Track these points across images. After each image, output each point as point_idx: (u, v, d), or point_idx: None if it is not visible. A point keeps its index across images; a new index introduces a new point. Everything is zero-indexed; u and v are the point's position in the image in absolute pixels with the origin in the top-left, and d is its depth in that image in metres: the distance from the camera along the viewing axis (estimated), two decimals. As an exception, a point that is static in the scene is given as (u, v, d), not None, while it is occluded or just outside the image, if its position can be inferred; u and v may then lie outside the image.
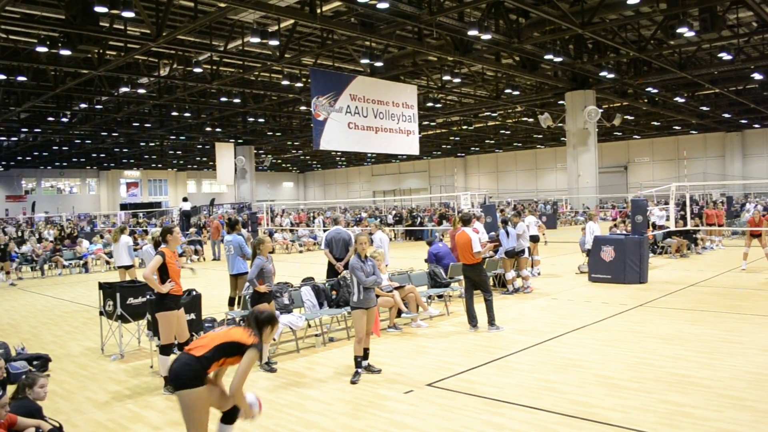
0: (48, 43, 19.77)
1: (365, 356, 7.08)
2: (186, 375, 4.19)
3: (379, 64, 25.17)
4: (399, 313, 9.64)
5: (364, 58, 24.31)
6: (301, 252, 25.72)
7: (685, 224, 17.37)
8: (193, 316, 7.84)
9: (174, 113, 37.50)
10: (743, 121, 49.22)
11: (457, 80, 30.23)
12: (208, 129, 43.63)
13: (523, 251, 12.86)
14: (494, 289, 12.05)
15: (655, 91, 35.04)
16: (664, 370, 6.85)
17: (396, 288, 9.76)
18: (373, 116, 22.83)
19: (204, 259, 23.23)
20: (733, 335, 8.40)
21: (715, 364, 7.04)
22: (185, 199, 34.94)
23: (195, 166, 72.47)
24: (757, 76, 31.09)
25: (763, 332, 8.54)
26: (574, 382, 6.50)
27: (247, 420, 4.55)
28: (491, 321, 9.13)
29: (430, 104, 36.69)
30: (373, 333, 7.36)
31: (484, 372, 7.05)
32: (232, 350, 4.29)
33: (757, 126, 51.59)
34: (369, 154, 61.56)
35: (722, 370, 6.76)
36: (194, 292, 8.12)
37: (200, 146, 52.42)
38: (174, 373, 4.26)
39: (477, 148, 65.45)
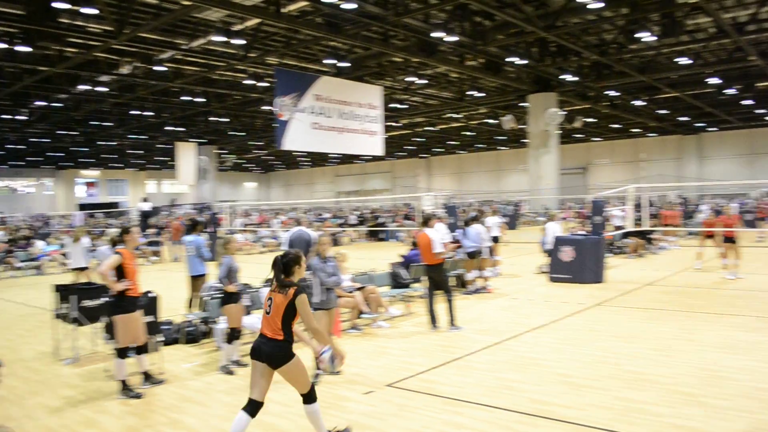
0: (5, 39, 19.22)
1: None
2: (279, 355, 4.68)
3: (344, 64, 25.13)
4: (360, 313, 9.63)
5: (330, 58, 24.26)
6: (262, 253, 25.52)
7: (642, 225, 17.70)
8: (150, 318, 7.71)
9: (135, 112, 36.84)
10: (700, 125, 50.54)
11: (421, 81, 30.37)
12: (170, 128, 42.97)
13: (483, 252, 12.96)
14: (455, 289, 12.13)
15: (615, 94, 35.72)
16: (620, 367, 6.98)
17: (358, 288, 9.74)
18: (337, 117, 22.79)
19: (164, 259, 22.87)
20: (687, 333, 8.60)
21: (670, 361, 7.20)
22: (145, 200, 34.37)
23: (156, 166, 71.29)
24: (713, 81, 31.94)
25: (715, 330, 8.76)
26: (533, 381, 6.57)
27: (328, 363, 4.97)
28: (452, 321, 9.18)
29: (394, 105, 36.78)
30: (334, 334, 7.33)
31: (444, 372, 7.08)
32: (290, 312, 4.67)
33: (713, 129, 53.01)
34: (333, 155, 61.41)
35: (676, 367, 6.92)
36: (152, 294, 7.98)
37: (161, 146, 51.61)
38: (268, 356, 4.69)
39: (441, 149, 65.82)
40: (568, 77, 29.63)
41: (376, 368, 7.31)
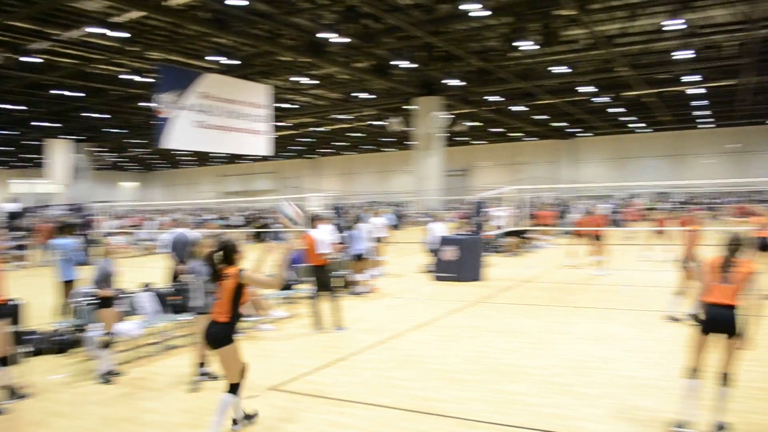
0: None
1: (206, 363, 6.84)
2: (221, 337, 5.09)
3: (231, 62, 24.54)
4: (242, 316, 9.41)
5: (216, 55, 23.60)
6: (141, 256, 24.42)
7: (520, 225, 18.57)
8: (14, 327, 7.15)
9: (3, 105, 34.11)
10: (574, 130, 53.78)
11: (309, 81, 30.24)
12: (42, 124, 40.16)
13: (368, 252, 13.09)
14: (340, 290, 12.16)
15: (497, 99, 37.24)
16: (498, 361, 7.27)
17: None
18: (223, 115, 22.20)
19: (32, 264, 21.33)
20: (560, 326, 9.11)
21: (544, 353, 7.59)
22: (12, 200, 31.90)
23: (27, 164, 66.41)
24: (586, 89, 34.07)
25: (585, 323, 9.33)
26: (415, 378, 6.71)
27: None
28: (337, 322, 9.20)
29: (282, 105, 36.40)
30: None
31: (329, 373, 7.08)
32: (238, 292, 5.09)
33: (586, 135, 56.60)
34: (219, 154, 59.83)
35: (550, 359, 7.30)
36: (14, 301, 7.41)
37: (32, 142, 48.10)
38: (211, 337, 5.12)
39: (329, 150, 65.86)
40: (453, 82, 30.53)
41: (260, 372, 7.16)
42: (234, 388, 5.16)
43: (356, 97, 34.91)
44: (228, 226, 32.39)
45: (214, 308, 5.23)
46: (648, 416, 5.42)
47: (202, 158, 68.36)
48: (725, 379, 4.90)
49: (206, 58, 24.69)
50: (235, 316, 5.13)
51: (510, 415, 5.53)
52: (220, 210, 47.29)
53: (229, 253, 5.23)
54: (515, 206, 18.18)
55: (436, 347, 8.06)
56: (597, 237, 14.99)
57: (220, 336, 5.08)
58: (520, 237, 19.84)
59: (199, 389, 6.54)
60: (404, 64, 26.21)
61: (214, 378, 6.79)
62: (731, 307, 4.84)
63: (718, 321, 4.86)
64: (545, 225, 21.32)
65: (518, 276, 14.79)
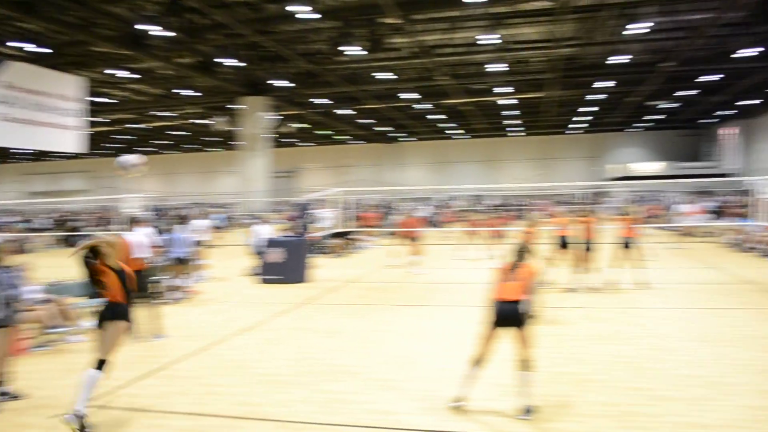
0: None
1: (3, 382, 6.18)
2: (107, 313, 5.59)
3: (40, 49, 22.39)
4: (48, 328, 8.63)
5: (22, 41, 21.42)
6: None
7: (346, 226, 18.93)
8: None
9: None
10: (397, 134, 55.88)
11: (128, 75, 28.50)
12: None
13: (190, 256, 12.63)
14: (159, 295, 11.58)
15: (324, 102, 37.63)
16: (323, 362, 7.35)
17: (46, 300, 8.74)
18: (29, 108, 20.22)
19: None
20: (384, 325, 9.42)
21: (368, 352, 7.80)
22: None
23: None
24: (409, 96, 35.53)
25: (407, 320, 9.74)
26: (240, 384, 6.58)
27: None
28: (156, 329, 8.75)
29: (98, 99, 33.89)
30: (15, 354, 6.47)
31: (146, 384, 6.71)
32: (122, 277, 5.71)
33: (408, 139, 59.05)
34: (23, 150, 54.33)
35: (373, 357, 7.52)
36: None
37: None
38: (104, 314, 5.59)
39: (151, 149, 62.46)
40: (280, 83, 30.36)
41: (69, 388, 6.56)
42: (102, 365, 5.43)
43: (179, 93, 33.48)
44: (32, 230, 29.57)
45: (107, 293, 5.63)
46: (463, 406, 5.77)
47: (4, 154, 61.68)
48: (524, 365, 5.44)
49: (8, 44, 22.31)
50: (124, 297, 5.64)
51: (335, 414, 5.61)
52: (24, 212, 42.91)
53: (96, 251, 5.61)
54: (341, 208, 18.48)
55: (260, 351, 7.96)
56: (413, 238, 15.75)
57: (105, 313, 5.56)
58: (345, 238, 20.23)
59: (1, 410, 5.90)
60: (230, 62, 25.59)
61: (19, 398, 6.17)
62: (516, 303, 5.43)
63: (505, 315, 5.44)
64: (370, 226, 21.92)
65: (343, 277, 15.05)
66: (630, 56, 27.76)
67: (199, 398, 6.15)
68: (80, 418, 5.18)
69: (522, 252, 5.70)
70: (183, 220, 13.26)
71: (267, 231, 15.09)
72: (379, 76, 30.75)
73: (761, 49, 25.65)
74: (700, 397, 5.84)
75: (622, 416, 5.44)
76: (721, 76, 32.28)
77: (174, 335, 8.93)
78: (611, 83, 32.74)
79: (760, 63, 27.91)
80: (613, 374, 6.63)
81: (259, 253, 14.47)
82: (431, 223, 27.60)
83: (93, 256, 5.58)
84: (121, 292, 5.61)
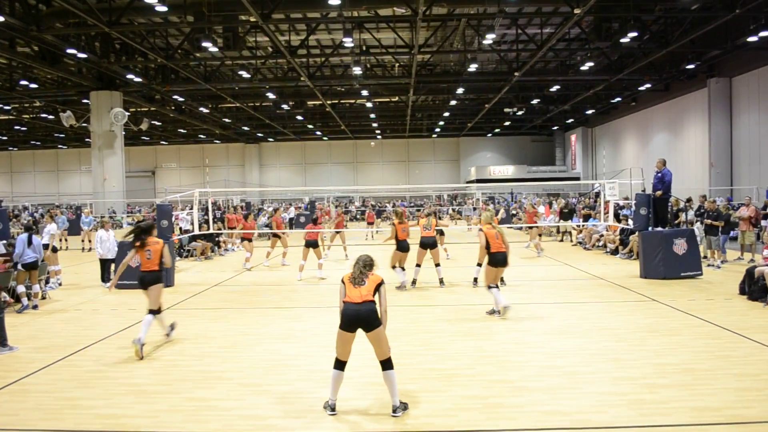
0: None
1: None
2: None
3: None
4: None
5: None
6: None
7: (209, 228, 18.35)
8: None
9: None
10: (260, 135, 55.00)
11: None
12: None
13: (40, 261, 11.70)
14: (5, 304, 10.63)
15: (182, 99, 36.23)
16: (190, 369, 7.09)
17: None
18: None
19: None
20: (252, 328, 9.25)
21: (237, 356, 7.63)
22: None
23: None
24: (270, 96, 35.06)
25: (276, 323, 9.63)
26: (101, 396, 6.20)
27: None
28: (2, 341, 8.02)
29: None
30: None
31: (-7, 401, 6.14)
32: None
33: (271, 140, 58.31)
34: None
35: (243, 361, 7.37)
36: None
37: None
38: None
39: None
40: (134, 77, 28.86)
41: None
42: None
43: (27, 86, 30.82)
44: None
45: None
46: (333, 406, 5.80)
47: None
48: (384, 363, 5.57)
49: None
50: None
51: (205, 422, 5.44)
52: None
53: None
54: (203, 209, 17.90)
55: (122, 360, 7.53)
56: (278, 237, 15.81)
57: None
58: (209, 240, 19.62)
59: None
60: (77, 53, 23.84)
61: None
62: (363, 304, 5.53)
63: (354, 317, 5.52)
64: (235, 228, 21.40)
65: (209, 280, 14.59)
66: (484, 65, 29.26)
67: (55, 413, 5.72)
68: None
69: (370, 263, 5.80)
70: (32, 223, 12.21)
71: (110, 236, 14.00)
72: (239, 74, 30.12)
73: (591, 64, 28.33)
74: (557, 386, 6.26)
75: (489, 408, 5.72)
76: (560, 87, 35.05)
77: (23, 346, 8.23)
78: (461, 90, 34.05)
79: (596, 76, 30.76)
80: (479, 368, 6.95)
81: (112, 260, 13.66)
82: (299, 224, 27.47)
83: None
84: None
